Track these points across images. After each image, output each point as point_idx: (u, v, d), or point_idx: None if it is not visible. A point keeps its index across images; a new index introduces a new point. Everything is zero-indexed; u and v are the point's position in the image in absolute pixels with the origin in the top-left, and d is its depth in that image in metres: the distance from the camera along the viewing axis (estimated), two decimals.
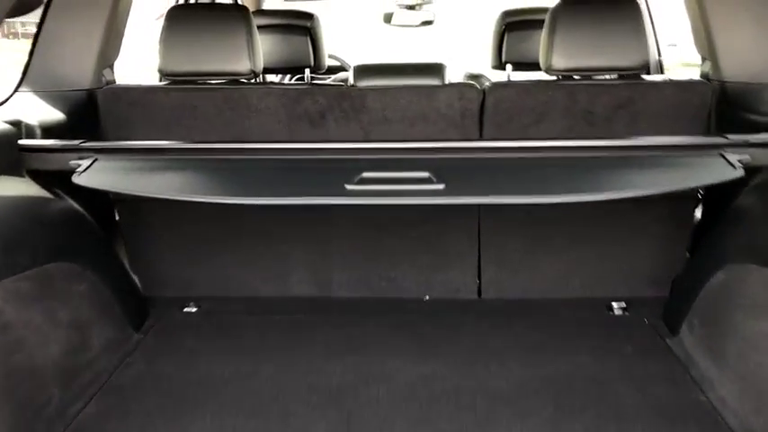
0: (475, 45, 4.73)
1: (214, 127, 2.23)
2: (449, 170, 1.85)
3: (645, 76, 2.28)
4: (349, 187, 1.80)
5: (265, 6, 3.96)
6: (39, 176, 1.99)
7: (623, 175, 1.87)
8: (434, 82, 2.20)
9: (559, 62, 2.14)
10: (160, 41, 2.18)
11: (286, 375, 1.94)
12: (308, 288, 2.45)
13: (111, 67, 2.40)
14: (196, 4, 3.37)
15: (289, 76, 3.92)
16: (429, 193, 1.80)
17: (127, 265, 2.37)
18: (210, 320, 2.32)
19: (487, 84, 2.31)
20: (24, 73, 2.28)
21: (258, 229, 2.42)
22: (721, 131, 2.02)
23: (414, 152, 1.97)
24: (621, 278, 2.39)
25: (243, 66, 2.17)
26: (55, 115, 2.18)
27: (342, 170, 1.86)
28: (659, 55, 3.41)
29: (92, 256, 2.05)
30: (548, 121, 2.18)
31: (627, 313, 2.31)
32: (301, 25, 2.98)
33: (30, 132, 2.03)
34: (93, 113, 2.25)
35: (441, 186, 1.79)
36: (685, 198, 2.29)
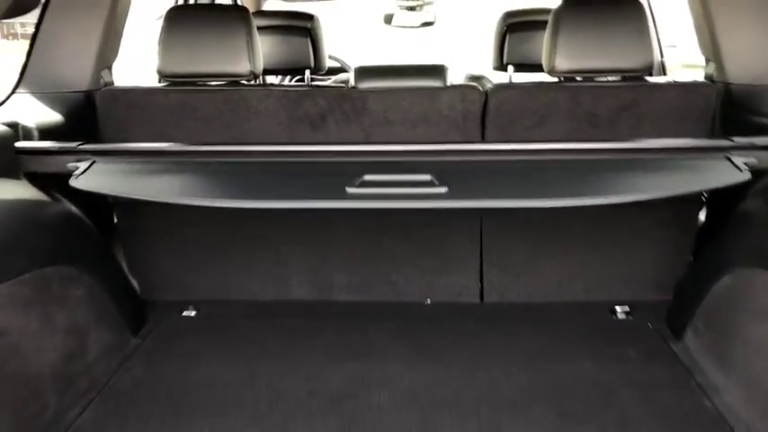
0: (476, 46, 4.73)
1: (213, 129, 2.21)
2: (451, 173, 1.82)
3: (648, 78, 2.26)
4: (350, 190, 1.78)
5: (265, 7, 3.95)
6: (36, 179, 1.97)
7: (627, 178, 1.85)
8: (436, 84, 2.18)
9: (562, 64, 2.13)
10: (159, 42, 2.17)
11: (286, 380, 1.92)
12: (309, 292, 2.43)
13: (110, 68, 2.38)
14: (195, 4, 3.36)
15: (289, 77, 3.90)
16: (431, 197, 1.78)
17: (125, 269, 2.35)
18: (210, 324, 2.30)
19: (489, 85, 2.29)
20: (22, 74, 2.26)
21: (258, 231, 2.40)
22: (726, 134, 2.00)
23: (415, 155, 1.95)
24: (625, 282, 2.37)
25: (243, 67, 2.16)
26: (52, 117, 2.16)
27: (343, 173, 1.84)
28: (662, 56, 3.40)
29: (89, 259, 2.03)
30: (550, 124, 2.16)
31: (630, 317, 2.29)
32: (301, 26, 2.97)
33: (27, 134, 2.01)
34: (91, 115, 2.23)
35: (443, 190, 1.77)
36: (689, 201, 2.27)
